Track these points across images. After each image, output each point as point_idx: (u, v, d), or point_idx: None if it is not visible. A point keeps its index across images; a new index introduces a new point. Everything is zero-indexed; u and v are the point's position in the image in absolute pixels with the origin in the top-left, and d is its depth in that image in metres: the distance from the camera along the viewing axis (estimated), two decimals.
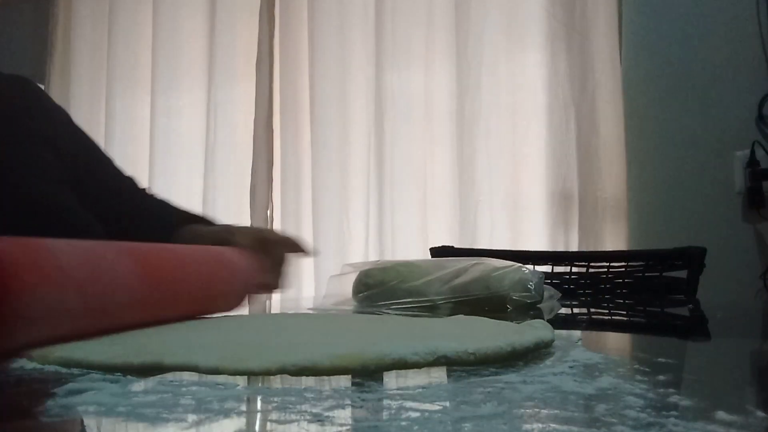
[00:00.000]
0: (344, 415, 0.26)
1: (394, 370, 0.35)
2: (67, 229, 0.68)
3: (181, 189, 2.18)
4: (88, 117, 2.30)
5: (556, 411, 0.27)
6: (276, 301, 0.93)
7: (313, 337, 0.45)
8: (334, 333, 0.49)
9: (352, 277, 0.84)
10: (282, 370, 0.33)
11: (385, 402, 0.28)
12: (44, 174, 0.72)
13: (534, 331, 0.45)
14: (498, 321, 0.55)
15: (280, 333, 0.48)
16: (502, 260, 0.82)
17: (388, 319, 0.62)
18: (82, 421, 0.27)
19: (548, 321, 0.69)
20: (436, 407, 0.27)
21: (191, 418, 0.25)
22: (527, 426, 0.25)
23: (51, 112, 0.82)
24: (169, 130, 2.24)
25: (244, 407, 0.28)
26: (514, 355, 0.39)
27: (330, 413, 0.26)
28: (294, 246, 0.83)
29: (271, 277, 0.73)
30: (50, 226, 0.68)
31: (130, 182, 0.90)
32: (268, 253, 0.73)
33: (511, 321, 0.54)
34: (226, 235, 0.76)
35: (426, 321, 0.57)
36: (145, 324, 0.48)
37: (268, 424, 0.27)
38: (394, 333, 0.47)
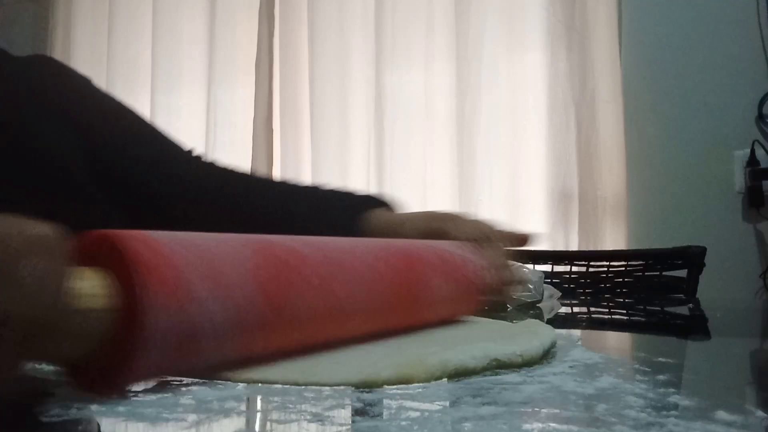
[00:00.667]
0: (344, 415, 0.26)
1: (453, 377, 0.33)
2: (77, 208, 0.65)
3: None
4: None
5: (556, 411, 0.27)
6: None
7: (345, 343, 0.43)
8: (361, 337, 0.47)
9: None
10: (345, 383, 0.31)
11: (385, 402, 0.28)
12: (62, 156, 0.68)
13: (541, 329, 0.45)
14: (493, 320, 0.55)
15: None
16: None
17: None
18: (86, 423, 0.27)
19: (548, 320, 0.69)
20: (436, 407, 0.27)
21: (191, 418, 0.25)
22: (527, 426, 0.25)
23: (72, 89, 0.75)
24: (169, 130, 2.23)
25: (244, 407, 0.28)
26: (545, 354, 0.39)
27: (330, 413, 0.26)
28: (517, 239, 0.67)
29: (499, 278, 0.58)
30: (60, 205, 0.64)
31: (184, 154, 0.76)
32: (491, 249, 0.59)
33: (510, 320, 0.54)
34: (438, 226, 0.62)
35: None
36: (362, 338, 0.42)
37: (268, 424, 0.27)
38: (424, 337, 0.46)
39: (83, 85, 0.74)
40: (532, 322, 0.49)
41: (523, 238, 0.68)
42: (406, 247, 0.48)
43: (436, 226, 0.61)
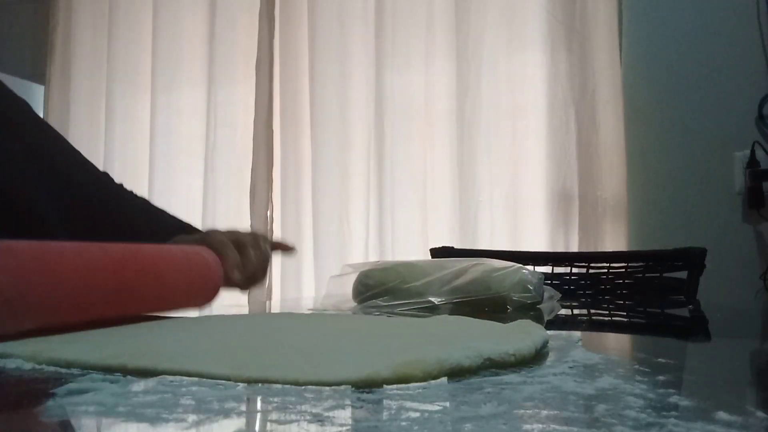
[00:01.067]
0: (344, 415, 0.26)
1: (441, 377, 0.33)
2: (27, 219, 0.68)
3: (181, 189, 2.18)
4: (88, 117, 2.31)
5: (556, 411, 0.27)
6: (277, 301, 0.93)
7: (341, 344, 0.44)
8: (357, 338, 0.48)
9: (352, 278, 0.84)
10: (345, 382, 0.31)
11: (385, 402, 0.28)
12: (9, 164, 0.70)
13: (532, 328, 0.45)
14: (485, 321, 0.55)
15: (296, 338, 0.47)
16: (502, 261, 0.82)
17: (391, 321, 0.62)
18: (86, 423, 0.27)
19: (548, 321, 0.70)
20: (436, 407, 0.27)
21: (191, 418, 0.25)
22: (527, 426, 0.25)
23: (12, 103, 0.80)
24: (169, 130, 2.24)
25: (244, 407, 0.28)
26: (537, 354, 0.39)
27: (330, 413, 0.26)
28: (279, 246, 0.84)
29: (238, 275, 0.72)
30: (11, 216, 0.67)
31: (104, 177, 0.87)
32: (241, 252, 0.74)
33: (508, 322, 0.54)
34: (202, 236, 0.77)
35: (422, 322, 0.57)
36: (105, 321, 0.50)
37: (268, 424, 0.27)
38: (420, 337, 0.47)
39: (26, 108, 0.80)
40: (523, 323, 0.49)
41: (284, 246, 0.88)
42: (139, 248, 0.60)
43: (198, 238, 0.75)
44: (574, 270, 1.23)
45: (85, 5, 2.38)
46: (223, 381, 0.31)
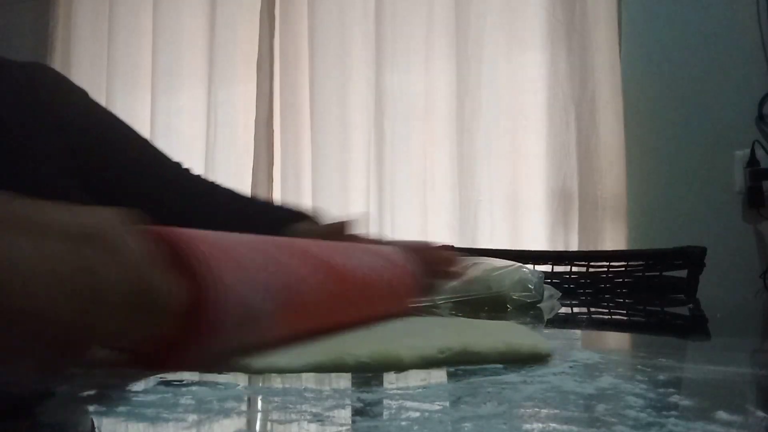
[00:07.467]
0: (344, 415, 0.26)
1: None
2: None
3: None
4: None
5: (556, 411, 0.27)
6: None
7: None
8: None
9: None
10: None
11: (385, 402, 0.28)
12: (52, 164, 0.69)
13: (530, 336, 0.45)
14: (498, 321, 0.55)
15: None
16: (502, 260, 0.82)
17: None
18: (86, 423, 0.27)
19: (548, 320, 0.69)
20: (436, 407, 0.27)
21: (191, 418, 0.25)
22: (527, 426, 0.25)
23: (68, 99, 0.76)
24: (170, 130, 2.24)
25: (244, 407, 0.28)
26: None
27: (330, 413, 0.26)
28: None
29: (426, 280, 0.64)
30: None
31: (174, 166, 0.83)
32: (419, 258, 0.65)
33: (509, 321, 0.54)
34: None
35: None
36: (325, 329, 0.42)
37: (268, 424, 0.27)
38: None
39: (80, 95, 0.77)
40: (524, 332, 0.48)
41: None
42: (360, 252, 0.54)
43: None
44: (574, 269, 1.23)
45: (85, 5, 2.38)
46: (223, 382, 0.31)
